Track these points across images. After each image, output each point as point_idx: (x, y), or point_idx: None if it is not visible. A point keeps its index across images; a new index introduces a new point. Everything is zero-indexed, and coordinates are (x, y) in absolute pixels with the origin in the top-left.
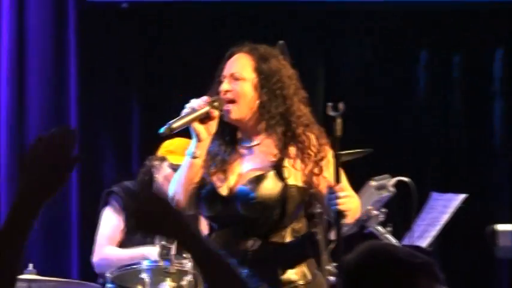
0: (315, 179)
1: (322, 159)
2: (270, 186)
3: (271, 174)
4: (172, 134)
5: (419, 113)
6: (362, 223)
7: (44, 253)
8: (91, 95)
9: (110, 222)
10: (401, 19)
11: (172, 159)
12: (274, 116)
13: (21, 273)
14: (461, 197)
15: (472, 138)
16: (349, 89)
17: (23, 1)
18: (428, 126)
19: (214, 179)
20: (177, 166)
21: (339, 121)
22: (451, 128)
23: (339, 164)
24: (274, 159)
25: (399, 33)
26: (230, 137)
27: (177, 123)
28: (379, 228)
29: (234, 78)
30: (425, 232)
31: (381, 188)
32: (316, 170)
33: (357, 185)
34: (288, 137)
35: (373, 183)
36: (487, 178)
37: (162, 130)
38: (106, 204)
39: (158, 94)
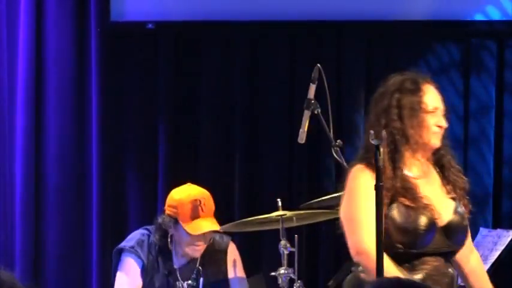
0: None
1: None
2: (464, 217)
3: (456, 204)
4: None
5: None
6: None
7: None
8: (115, 122)
9: (125, 282)
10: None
11: (192, 226)
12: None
13: None
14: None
15: None
16: None
17: (41, 21)
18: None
19: (430, 208)
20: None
21: (381, 150)
22: (499, 158)
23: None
24: (445, 189)
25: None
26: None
27: None
28: None
29: (443, 114)
30: None
31: None
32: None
33: None
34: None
35: None
36: None
37: None
38: (118, 263)
39: (187, 120)
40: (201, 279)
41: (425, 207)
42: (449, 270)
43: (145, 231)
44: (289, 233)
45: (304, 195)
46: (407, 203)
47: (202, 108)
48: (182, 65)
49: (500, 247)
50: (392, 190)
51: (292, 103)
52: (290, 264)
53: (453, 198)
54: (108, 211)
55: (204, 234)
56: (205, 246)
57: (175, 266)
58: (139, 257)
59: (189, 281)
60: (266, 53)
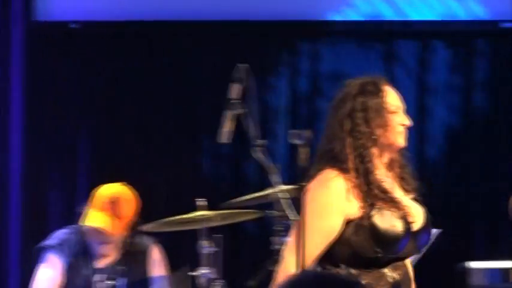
0: None
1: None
2: (430, 221)
3: (423, 208)
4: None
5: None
6: None
7: None
8: (36, 122)
9: (46, 277)
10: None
11: (91, 217)
12: None
13: None
14: (434, 232)
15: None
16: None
17: None
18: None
19: (407, 212)
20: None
21: (304, 150)
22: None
23: (304, 197)
24: (403, 190)
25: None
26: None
27: None
28: None
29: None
30: None
31: None
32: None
33: None
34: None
35: None
36: (462, 211)
37: None
38: (40, 260)
39: (110, 120)
40: (122, 280)
41: (403, 211)
42: (410, 275)
43: (70, 230)
44: (212, 232)
45: (226, 194)
46: (386, 207)
47: (125, 109)
48: (105, 66)
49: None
50: (368, 194)
51: (218, 103)
52: (211, 264)
53: (414, 200)
54: (28, 212)
55: (100, 231)
56: (112, 245)
57: (97, 266)
58: (62, 255)
59: (110, 281)
60: (190, 52)
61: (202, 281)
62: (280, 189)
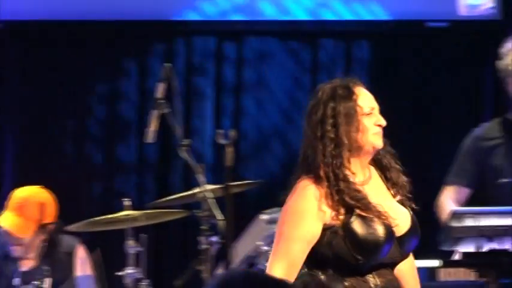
0: None
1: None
2: (418, 225)
3: (410, 211)
4: None
5: None
6: (251, 260)
7: None
8: None
9: None
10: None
11: (3, 217)
12: None
13: None
14: None
15: None
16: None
17: None
18: None
19: (386, 217)
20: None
21: (229, 150)
22: None
23: (230, 196)
24: (390, 191)
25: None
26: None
27: None
28: None
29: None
30: None
31: (272, 221)
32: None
33: (247, 219)
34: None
35: (263, 216)
36: None
37: None
38: None
39: (35, 120)
40: (47, 280)
41: (381, 216)
42: (397, 283)
43: None
44: (138, 232)
45: (152, 194)
46: (363, 213)
47: (51, 109)
48: (30, 65)
49: None
50: (340, 201)
51: (143, 103)
52: (137, 264)
53: (402, 202)
54: None
55: (8, 233)
56: (23, 247)
57: (21, 269)
58: None
59: (35, 282)
60: (119, 52)
61: (128, 281)
62: (206, 189)
